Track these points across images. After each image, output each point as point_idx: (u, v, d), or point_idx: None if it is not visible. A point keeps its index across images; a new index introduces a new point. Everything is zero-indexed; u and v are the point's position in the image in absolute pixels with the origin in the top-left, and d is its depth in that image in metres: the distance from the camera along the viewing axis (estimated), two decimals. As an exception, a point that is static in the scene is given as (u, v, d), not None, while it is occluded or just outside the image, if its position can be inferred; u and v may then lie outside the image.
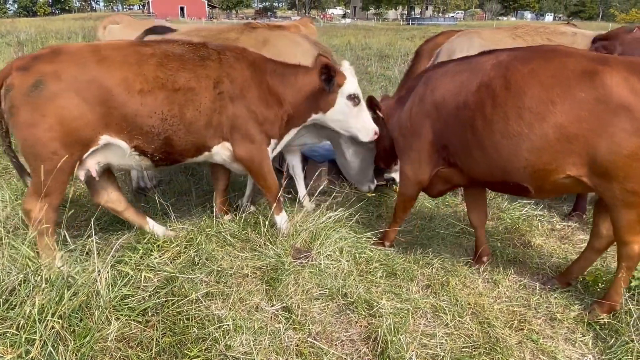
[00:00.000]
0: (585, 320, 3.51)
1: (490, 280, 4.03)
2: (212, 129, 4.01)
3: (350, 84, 4.36)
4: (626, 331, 3.31)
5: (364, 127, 4.46)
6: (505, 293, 3.88)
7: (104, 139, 3.72)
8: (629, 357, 3.11)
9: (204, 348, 3.12)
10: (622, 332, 3.32)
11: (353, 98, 4.36)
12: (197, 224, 4.63)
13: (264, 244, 4.34)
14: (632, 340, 3.20)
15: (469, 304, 3.69)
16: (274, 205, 4.47)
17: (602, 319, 3.47)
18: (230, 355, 3.07)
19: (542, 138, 3.24)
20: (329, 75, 4.19)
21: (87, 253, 3.91)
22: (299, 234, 4.46)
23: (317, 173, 5.30)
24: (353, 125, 4.46)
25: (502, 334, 3.38)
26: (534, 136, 3.26)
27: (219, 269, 3.97)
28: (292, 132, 4.57)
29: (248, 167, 4.28)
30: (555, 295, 3.82)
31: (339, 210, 4.82)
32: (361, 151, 4.95)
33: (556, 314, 3.60)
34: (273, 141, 4.33)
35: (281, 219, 4.54)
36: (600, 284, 3.83)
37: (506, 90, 3.35)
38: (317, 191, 5.16)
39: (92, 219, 3.93)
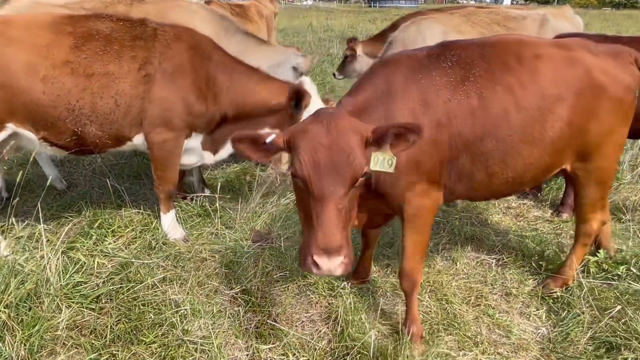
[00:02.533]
0: (539, 295, 3.61)
1: (448, 258, 4.09)
2: (133, 118, 3.68)
3: (315, 104, 4.03)
4: (577, 304, 3.41)
5: None
6: (462, 270, 3.94)
7: (10, 127, 3.49)
8: (580, 328, 3.22)
9: (160, 333, 3.05)
10: (573, 305, 3.42)
11: None
12: (153, 208, 4.50)
13: (223, 227, 4.27)
14: (583, 312, 3.32)
15: (428, 281, 3.73)
16: (162, 201, 4.10)
17: (555, 292, 3.57)
18: (188, 340, 3.01)
19: (562, 138, 3.02)
20: (299, 101, 3.99)
21: (36, 240, 3.76)
22: (259, 217, 4.40)
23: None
24: None
25: (460, 310, 3.44)
26: (556, 137, 3.00)
27: (177, 253, 3.89)
28: None
29: (155, 154, 3.88)
30: (511, 272, 3.90)
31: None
32: None
33: (511, 290, 3.68)
34: (196, 135, 4.02)
35: (168, 219, 4.15)
36: (553, 264, 3.92)
37: (525, 91, 2.93)
38: (277, 173, 5.07)
39: (38, 204, 3.74)
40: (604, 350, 3.05)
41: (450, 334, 3.22)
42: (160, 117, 3.73)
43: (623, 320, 3.22)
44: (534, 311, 3.49)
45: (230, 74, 3.98)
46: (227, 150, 4.26)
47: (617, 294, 3.48)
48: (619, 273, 3.66)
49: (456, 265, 3.98)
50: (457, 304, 3.50)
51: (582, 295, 3.44)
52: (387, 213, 3.16)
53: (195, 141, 4.07)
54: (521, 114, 2.92)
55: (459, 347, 3.12)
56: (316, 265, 2.25)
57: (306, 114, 4.09)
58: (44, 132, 3.55)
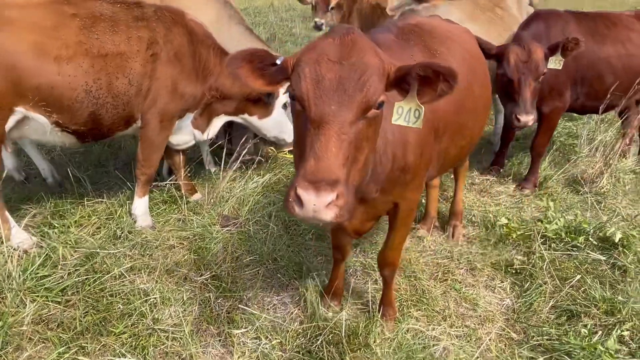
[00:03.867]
0: (503, 268, 3.72)
1: (415, 235, 4.16)
2: (142, 97, 3.74)
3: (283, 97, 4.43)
4: (540, 275, 3.54)
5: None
6: (430, 247, 4.02)
7: (20, 111, 3.37)
8: (542, 298, 3.35)
9: (130, 323, 3.02)
10: (536, 276, 3.55)
11: (285, 106, 4.53)
12: (117, 197, 4.40)
13: (190, 213, 4.22)
14: (545, 283, 3.45)
15: (397, 259, 3.79)
16: (140, 185, 4.07)
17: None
18: (159, 329, 2.98)
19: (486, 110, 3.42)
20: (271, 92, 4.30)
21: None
22: (227, 201, 4.37)
23: (244, 138, 5.15)
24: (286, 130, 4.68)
25: (428, 285, 3.52)
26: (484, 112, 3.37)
27: (143, 241, 3.83)
28: (222, 119, 4.47)
29: (148, 133, 3.91)
30: (476, 246, 4.01)
31: (267, 175, 4.76)
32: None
33: (476, 264, 3.78)
34: (188, 115, 4.13)
35: (142, 204, 4.11)
36: (514, 234, 4.03)
37: (476, 63, 3.29)
38: (242, 155, 4.98)
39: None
40: (565, 318, 3.19)
41: (420, 310, 3.29)
42: (161, 97, 3.80)
43: (582, 288, 3.37)
44: (499, 283, 3.60)
45: (220, 59, 4.12)
46: (215, 128, 4.47)
47: (577, 264, 3.63)
48: (578, 244, 3.80)
49: (423, 242, 4.06)
50: (425, 280, 3.57)
51: (544, 267, 3.57)
52: (379, 215, 2.83)
53: (186, 121, 4.20)
54: (478, 82, 3.18)
55: (428, 322, 3.20)
56: (299, 201, 1.71)
57: (278, 103, 4.51)
58: (58, 116, 3.46)
